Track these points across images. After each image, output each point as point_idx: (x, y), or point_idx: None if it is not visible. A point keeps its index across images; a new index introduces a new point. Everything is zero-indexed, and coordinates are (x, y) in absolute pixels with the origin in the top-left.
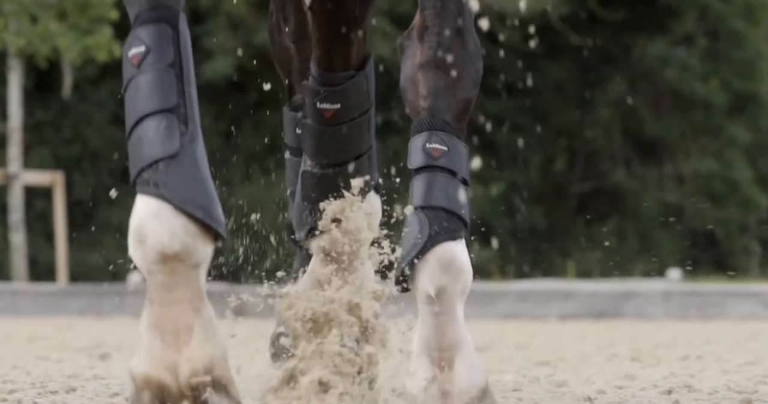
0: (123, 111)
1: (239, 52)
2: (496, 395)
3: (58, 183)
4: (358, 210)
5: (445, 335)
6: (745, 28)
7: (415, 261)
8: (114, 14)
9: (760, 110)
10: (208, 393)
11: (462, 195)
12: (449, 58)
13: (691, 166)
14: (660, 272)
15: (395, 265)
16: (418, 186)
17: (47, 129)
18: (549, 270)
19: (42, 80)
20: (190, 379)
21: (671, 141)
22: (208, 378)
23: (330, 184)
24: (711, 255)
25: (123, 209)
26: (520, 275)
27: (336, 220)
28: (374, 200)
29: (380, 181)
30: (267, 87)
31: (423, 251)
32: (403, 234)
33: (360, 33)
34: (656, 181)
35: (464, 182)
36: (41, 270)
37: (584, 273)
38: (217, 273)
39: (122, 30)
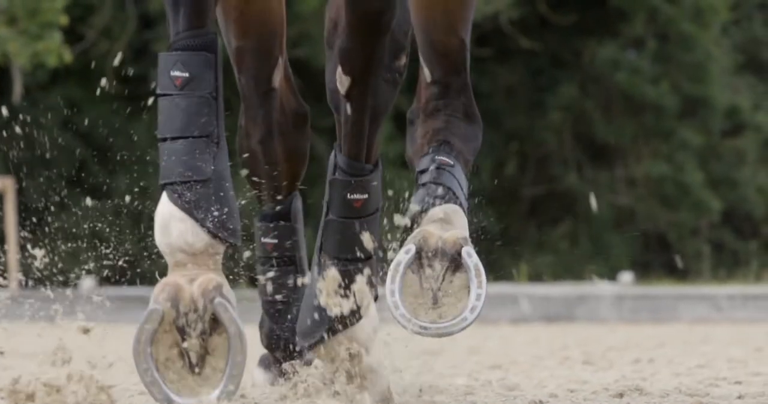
0: (73, 117)
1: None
2: (450, 399)
3: (8, 188)
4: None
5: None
6: (695, 30)
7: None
8: (63, 20)
9: (710, 113)
10: (217, 298)
11: (464, 190)
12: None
13: (642, 169)
14: (612, 276)
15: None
16: (426, 175)
17: None
18: (500, 274)
19: None
20: (202, 288)
21: (623, 144)
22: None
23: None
24: (662, 259)
25: (74, 214)
26: None
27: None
28: (373, 310)
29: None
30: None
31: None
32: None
33: (382, 126)
34: (608, 185)
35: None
36: None
37: (536, 277)
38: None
39: (72, 35)
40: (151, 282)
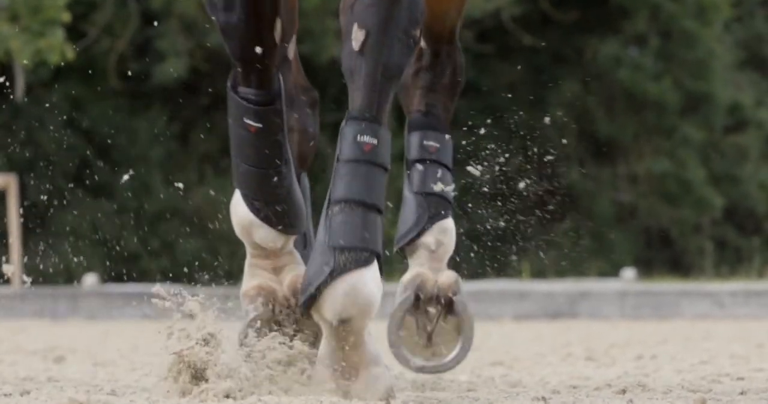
0: (76, 113)
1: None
2: (452, 396)
3: (11, 186)
4: None
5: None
6: (697, 28)
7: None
8: (66, 16)
9: (712, 110)
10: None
11: (450, 178)
12: (441, 60)
13: (644, 166)
14: (614, 272)
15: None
16: (416, 174)
17: (0, 132)
18: (503, 270)
19: None
20: (291, 288)
21: (625, 141)
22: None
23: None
24: (665, 256)
25: (77, 212)
26: (475, 275)
27: None
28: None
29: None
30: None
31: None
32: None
33: (391, 91)
34: (610, 181)
35: (449, 169)
36: None
37: (539, 274)
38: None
39: (74, 32)
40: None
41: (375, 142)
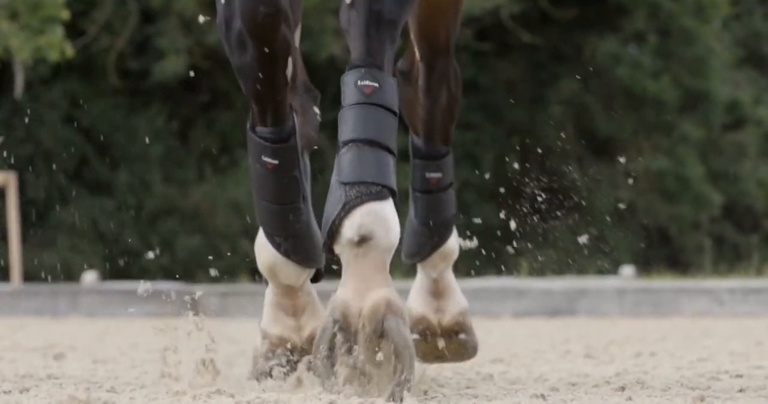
0: (75, 111)
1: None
2: (451, 393)
3: (10, 183)
4: None
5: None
6: (695, 25)
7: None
8: (65, 14)
9: (711, 107)
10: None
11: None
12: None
13: (643, 163)
14: (613, 269)
15: None
16: (419, 206)
17: None
18: (502, 268)
19: None
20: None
21: (623, 138)
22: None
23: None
24: (664, 253)
25: (76, 209)
26: (474, 273)
27: None
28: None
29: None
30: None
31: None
32: None
33: (390, 38)
34: (609, 179)
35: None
36: None
37: (537, 271)
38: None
39: (73, 29)
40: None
41: (376, 84)
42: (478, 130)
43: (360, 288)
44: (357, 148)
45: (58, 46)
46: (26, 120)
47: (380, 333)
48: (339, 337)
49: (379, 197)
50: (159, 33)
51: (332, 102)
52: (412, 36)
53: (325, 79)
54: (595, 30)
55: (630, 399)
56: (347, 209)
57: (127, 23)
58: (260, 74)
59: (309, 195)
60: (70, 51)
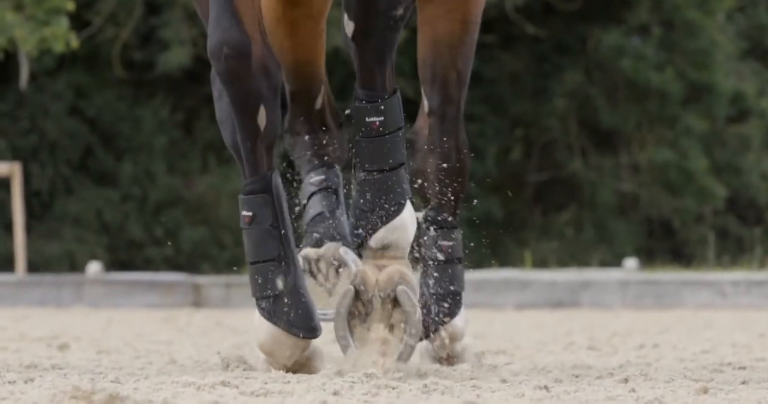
0: (80, 102)
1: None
2: (454, 384)
3: (15, 173)
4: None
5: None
6: (699, 18)
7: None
8: (70, 5)
9: (715, 100)
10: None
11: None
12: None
13: (646, 155)
14: (617, 262)
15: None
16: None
17: (4, 120)
18: (506, 259)
19: None
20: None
21: (627, 131)
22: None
23: (381, 186)
24: (667, 245)
25: (81, 199)
26: (477, 264)
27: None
28: (410, 206)
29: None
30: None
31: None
32: None
33: (390, 61)
34: (612, 171)
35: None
36: None
37: (541, 263)
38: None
39: (78, 21)
40: (157, 267)
41: (381, 118)
42: (482, 122)
43: (378, 265)
44: (372, 177)
45: (63, 37)
46: (31, 111)
47: (393, 299)
48: (357, 302)
49: (396, 213)
50: (164, 24)
51: (337, 92)
52: (422, 83)
53: (329, 69)
54: (598, 22)
55: (633, 390)
56: (371, 232)
57: (132, 14)
58: (234, 123)
59: (296, 256)
60: (75, 42)
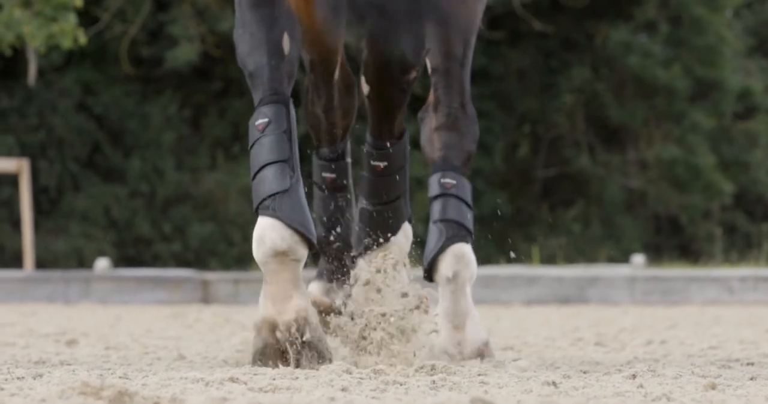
0: (87, 98)
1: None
2: (462, 380)
3: (23, 170)
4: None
5: (458, 305)
6: (706, 14)
7: (438, 256)
8: (78, 1)
9: (722, 96)
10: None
11: (468, 213)
12: (456, 123)
13: (654, 152)
14: (624, 258)
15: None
16: (436, 207)
17: (12, 116)
18: (513, 255)
19: (6, 67)
20: (291, 321)
21: (634, 127)
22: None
23: (380, 216)
24: (675, 241)
25: (89, 196)
26: (485, 260)
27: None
28: (408, 228)
29: (411, 212)
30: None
31: (443, 249)
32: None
33: (399, 115)
34: (620, 167)
35: (469, 206)
36: (7, 257)
37: (549, 259)
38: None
39: (86, 17)
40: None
41: (385, 163)
42: (489, 118)
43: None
44: (377, 211)
45: (71, 33)
46: (39, 107)
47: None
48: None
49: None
50: (172, 20)
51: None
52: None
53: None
54: (606, 18)
55: (641, 386)
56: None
57: (140, 10)
58: (328, 123)
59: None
60: (83, 38)
